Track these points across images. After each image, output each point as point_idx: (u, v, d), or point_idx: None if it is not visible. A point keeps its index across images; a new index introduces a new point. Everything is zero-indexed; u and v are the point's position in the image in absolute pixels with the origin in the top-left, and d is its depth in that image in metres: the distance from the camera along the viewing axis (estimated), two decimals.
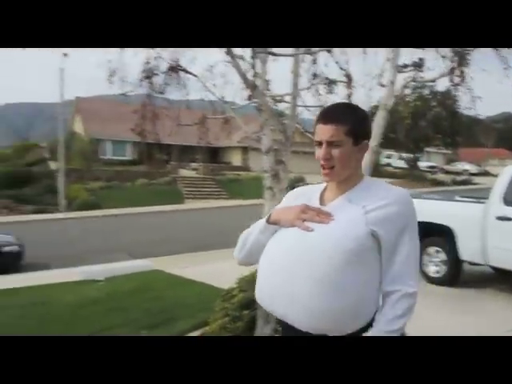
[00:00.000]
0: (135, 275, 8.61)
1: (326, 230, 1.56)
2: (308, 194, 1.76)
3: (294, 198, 1.77)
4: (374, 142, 2.99)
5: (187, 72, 3.05)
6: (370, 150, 3.11)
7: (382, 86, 3.33)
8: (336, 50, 3.26)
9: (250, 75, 3.06)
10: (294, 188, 1.85)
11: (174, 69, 2.92)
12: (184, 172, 29.54)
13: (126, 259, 10.81)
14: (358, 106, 1.71)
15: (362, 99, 4.08)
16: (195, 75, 3.18)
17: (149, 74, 2.97)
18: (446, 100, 23.62)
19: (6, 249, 10.48)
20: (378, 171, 31.98)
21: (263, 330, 2.91)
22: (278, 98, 3.34)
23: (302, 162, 18.07)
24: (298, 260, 1.56)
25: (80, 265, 9.97)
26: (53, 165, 27.87)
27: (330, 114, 1.63)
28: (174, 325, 4.09)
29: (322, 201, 1.70)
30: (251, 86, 2.82)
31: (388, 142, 25.49)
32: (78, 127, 35.24)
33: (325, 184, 1.72)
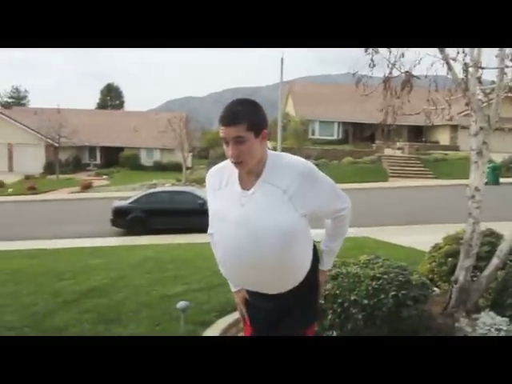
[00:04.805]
0: (348, 239, 10.00)
1: (262, 222, 1.78)
2: (226, 177, 1.93)
3: (213, 179, 1.98)
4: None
5: (415, 77, 4.12)
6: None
7: None
8: None
9: (462, 75, 4.00)
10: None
11: (409, 80, 4.01)
12: (389, 151, 29.90)
13: None
14: (249, 100, 1.85)
15: None
16: (419, 78, 4.25)
17: (386, 81, 4.15)
18: None
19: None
20: None
21: (460, 271, 3.89)
22: (486, 91, 4.17)
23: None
24: (246, 253, 1.81)
25: None
26: (269, 144, 31.36)
27: (229, 116, 1.78)
28: None
29: (242, 185, 1.88)
30: (463, 89, 3.79)
31: None
32: (290, 109, 38.31)
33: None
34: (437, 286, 4.45)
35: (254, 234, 1.78)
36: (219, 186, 1.92)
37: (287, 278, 1.89)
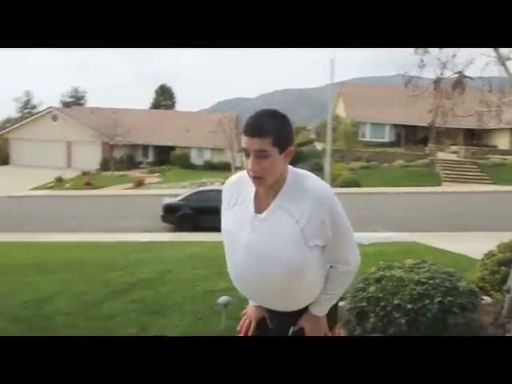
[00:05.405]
0: (395, 243, 9.81)
1: (270, 254, 1.70)
2: (243, 193, 1.82)
3: (230, 193, 1.86)
4: None
5: (468, 77, 3.98)
6: None
7: None
8: None
9: None
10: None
11: (461, 81, 3.89)
12: (443, 155, 28.94)
13: (386, 231, 12.09)
14: (279, 113, 1.70)
15: None
16: (472, 78, 4.11)
17: (437, 82, 4.04)
18: None
19: None
20: None
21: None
22: None
23: None
24: (252, 280, 1.78)
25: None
26: (319, 145, 31.22)
27: (255, 127, 1.64)
28: None
29: (256, 207, 1.76)
30: None
31: None
32: (340, 110, 37.87)
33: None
34: (489, 295, 4.27)
35: (260, 264, 1.73)
36: (235, 203, 1.82)
37: (296, 302, 1.84)
